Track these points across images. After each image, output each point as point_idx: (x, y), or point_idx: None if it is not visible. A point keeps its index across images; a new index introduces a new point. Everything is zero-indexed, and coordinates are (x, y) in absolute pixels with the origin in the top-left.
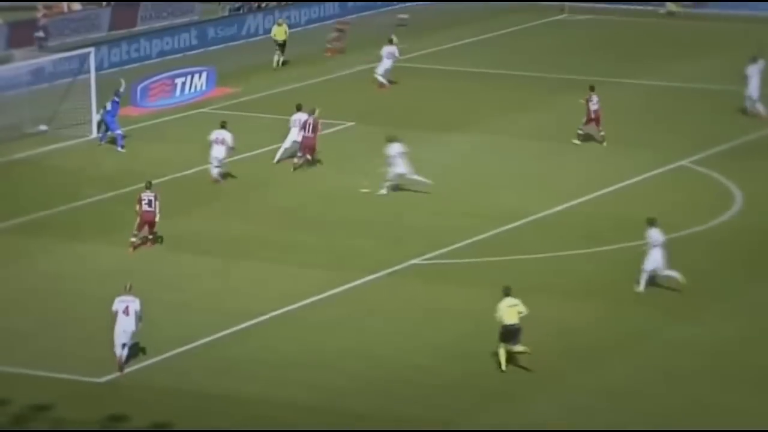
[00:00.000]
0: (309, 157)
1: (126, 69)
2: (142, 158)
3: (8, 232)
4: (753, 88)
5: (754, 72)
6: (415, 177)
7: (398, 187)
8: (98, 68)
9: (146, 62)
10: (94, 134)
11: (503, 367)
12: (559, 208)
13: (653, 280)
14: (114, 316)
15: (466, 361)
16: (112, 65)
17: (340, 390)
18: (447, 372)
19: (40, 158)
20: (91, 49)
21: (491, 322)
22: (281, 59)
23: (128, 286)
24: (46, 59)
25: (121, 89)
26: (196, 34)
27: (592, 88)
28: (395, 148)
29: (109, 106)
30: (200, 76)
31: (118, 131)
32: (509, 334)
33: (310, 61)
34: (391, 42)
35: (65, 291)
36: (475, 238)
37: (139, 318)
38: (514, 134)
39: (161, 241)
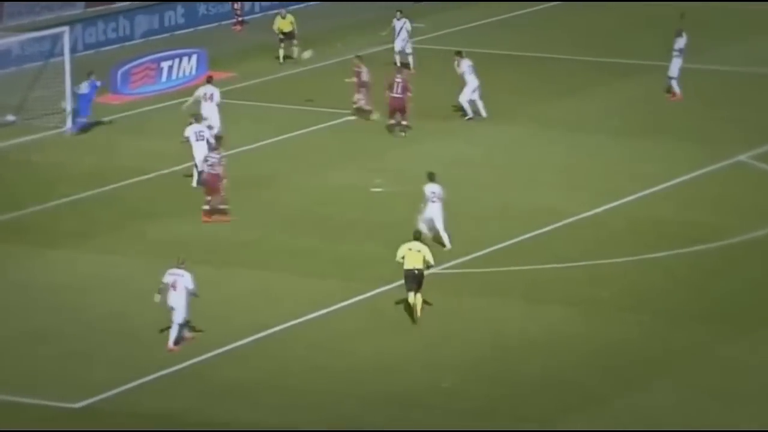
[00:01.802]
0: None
1: (104, 51)
2: (124, 153)
3: None
4: None
5: None
6: (442, 233)
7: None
8: (73, 50)
9: (127, 43)
10: (69, 125)
11: (417, 315)
12: (599, 209)
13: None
14: (163, 289)
15: (491, 383)
16: (88, 47)
17: (352, 416)
18: (471, 394)
19: (7, 152)
20: (65, 28)
21: (519, 338)
22: (299, 52)
23: (180, 259)
24: (13, 39)
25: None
26: (185, 11)
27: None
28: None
29: (84, 89)
30: (189, 60)
31: (84, 119)
32: (411, 277)
33: (318, 41)
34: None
35: (37, 304)
36: (502, 244)
37: (192, 293)
38: (547, 125)
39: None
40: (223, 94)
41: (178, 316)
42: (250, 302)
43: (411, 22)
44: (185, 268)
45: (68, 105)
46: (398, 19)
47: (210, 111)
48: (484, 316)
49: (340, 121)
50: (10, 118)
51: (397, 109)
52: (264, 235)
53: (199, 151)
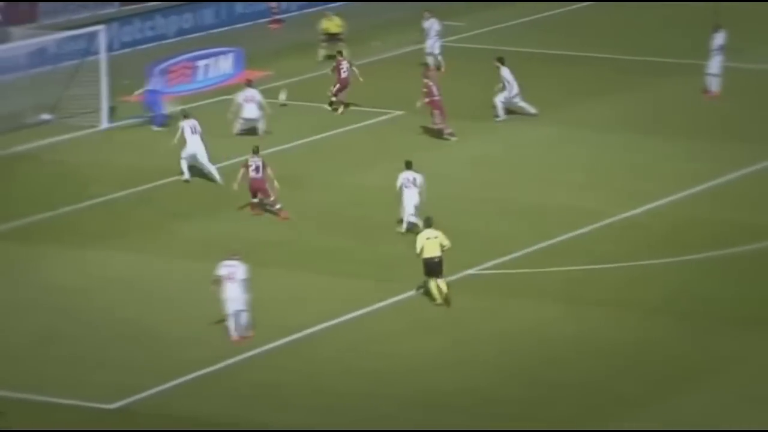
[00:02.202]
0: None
1: (140, 49)
2: (159, 151)
3: (4, 238)
4: None
5: None
6: (414, 219)
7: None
8: (109, 48)
9: (164, 42)
10: (105, 124)
11: (438, 300)
12: (640, 209)
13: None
14: (218, 282)
15: (526, 386)
16: (124, 45)
17: (387, 419)
18: (506, 397)
19: (42, 152)
20: (102, 27)
21: (555, 340)
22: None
23: (233, 251)
24: (49, 38)
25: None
26: (221, 9)
27: (340, 53)
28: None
29: (154, 84)
30: (226, 58)
31: (163, 112)
32: (431, 266)
33: (355, 41)
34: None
35: (70, 305)
36: (541, 245)
37: (247, 287)
38: (583, 124)
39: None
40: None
41: (240, 304)
42: (282, 303)
43: (441, 22)
44: (239, 260)
45: (104, 103)
46: (426, 20)
47: (254, 113)
48: (521, 318)
49: (376, 121)
50: (46, 117)
51: (437, 108)
52: (297, 236)
53: (192, 145)
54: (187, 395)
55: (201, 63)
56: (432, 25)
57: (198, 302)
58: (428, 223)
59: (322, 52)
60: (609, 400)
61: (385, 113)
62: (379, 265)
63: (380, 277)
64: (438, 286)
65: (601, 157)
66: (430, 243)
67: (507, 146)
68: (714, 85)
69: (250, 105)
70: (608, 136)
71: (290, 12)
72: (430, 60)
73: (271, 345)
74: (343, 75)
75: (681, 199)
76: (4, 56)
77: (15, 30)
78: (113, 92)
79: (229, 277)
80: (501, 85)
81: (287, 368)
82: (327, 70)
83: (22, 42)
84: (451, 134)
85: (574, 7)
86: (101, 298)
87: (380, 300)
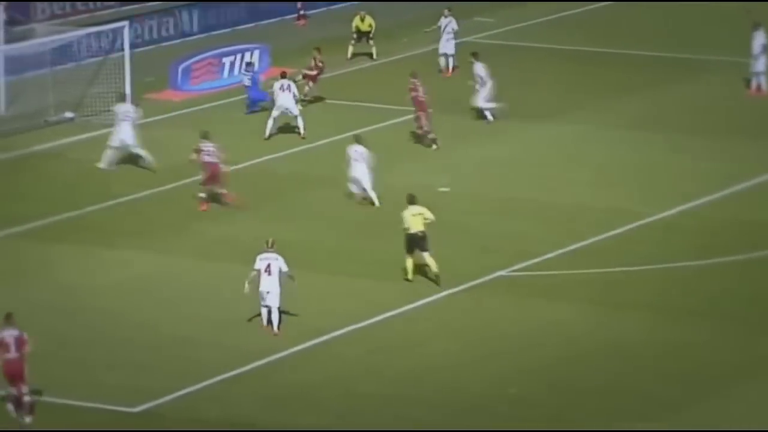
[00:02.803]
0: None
1: (165, 46)
2: (183, 150)
3: (26, 237)
4: None
5: None
6: (370, 192)
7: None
8: (132, 45)
9: (188, 38)
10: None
11: (409, 276)
12: (673, 211)
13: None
14: (256, 276)
15: (558, 390)
16: (148, 42)
17: (414, 420)
18: (537, 401)
19: (65, 150)
20: (125, 23)
21: (590, 344)
22: (375, 50)
23: (270, 242)
24: (72, 35)
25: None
26: (246, 6)
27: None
28: (355, 149)
29: (247, 81)
30: (252, 55)
31: (267, 97)
32: (414, 241)
33: (385, 36)
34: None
35: (92, 306)
36: (571, 247)
37: (289, 276)
38: (617, 123)
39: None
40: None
41: (275, 299)
42: (311, 304)
43: (458, 21)
44: (276, 251)
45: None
46: (446, 17)
47: (287, 101)
48: (552, 320)
49: (401, 120)
50: (69, 115)
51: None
52: (320, 237)
53: (122, 130)
54: (213, 398)
55: (226, 60)
56: (449, 23)
57: (223, 303)
58: (412, 200)
59: (351, 50)
60: (642, 403)
61: (411, 111)
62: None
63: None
64: (419, 259)
65: (635, 157)
66: (415, 219)
67: (531, 146)
68: (762, 83)
69: (285, 93)
70: (641, 135)
71: (316, 8)
72: (441, 61)
73: (297, 348)
74: (311, 72)
75: (719, 200)
76: (27, 53)
77: (38, 26)
78: (136, 90)
79: (267, 270)
80: (473, 83)
81: (314, 371)
82: (355, 66)
83: (45, 38)
84: (434, 141)
85: (602, 5)
86: (124, 299)
87: (409, 302)
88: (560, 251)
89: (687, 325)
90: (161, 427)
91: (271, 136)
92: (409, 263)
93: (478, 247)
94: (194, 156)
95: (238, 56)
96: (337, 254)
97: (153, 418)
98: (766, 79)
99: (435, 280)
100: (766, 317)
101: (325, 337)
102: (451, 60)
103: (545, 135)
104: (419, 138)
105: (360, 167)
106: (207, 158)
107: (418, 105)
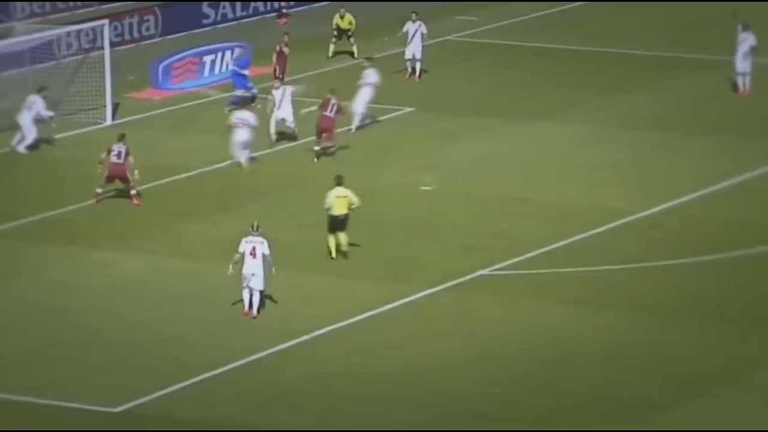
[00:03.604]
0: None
1: (145, 45)
2: (164, 149)
3: (9, 237)
4: None
5: None
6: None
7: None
8: (112, 44)
9: (168, 37)
10: (109, 121)
11: (333, 255)
12: (659, 208)
13: None
14: (240, 258)
15: (544, 391)
16: (128, 41)
17: (397, 424)
18: (524, 403)
19: (45, 149)
20: (105, 22)
21: (573, 343)
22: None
23: (255, 225)
24: (52, 33)
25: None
26: (228, 4)
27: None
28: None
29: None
30: (233, 54)
31: (253, 89)
32: (335, 223)
33: (365, 35)
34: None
35: (76, 306)
36: (556, 244)
37: (269, 264)
38: (606, 122)
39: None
40: (268, 90)
41: (258, 282)
42: (292, 304)
43: (427, 24)
44: (262, 234)
45: (109, 99)
46: (413, 22)
47: (285, 113)
48: (537, 320)
49: (386, 117)
50: (48, 113)
51: (325, 130)
52: (304, 236)
53: (24, 118)
54: (194, 398)
55: (207, 58)
56: (419, 27)
57: (205, 304)
58: (339, 182)
59: (332, 48)
60: (628, 402)
61: (395, 110)
62: (390, 266)
63: (391, 278)
64: (337, 239)
65: (620, 155)
66: (339, 201)
67: (521, 144)
68: (746, 83)
69: (285, 104)
70: (630, 134)
71: (298, 6)
72: (407, 65)
73: (279, 347)
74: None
75: (702, 198)
76: (5, 52)
77: (17, 25)
78: (117, 88)
79: (252, 253)
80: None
81: (295, 370)
82: (336, 65)
83: (24, 37)
84: (318, 155)
85: (594, 3)
86: (107, 299)
87: (391, 302)
88: (545, 249)
89: (672, 325)
90: (140, 427)
91: (277, 140)
92: (332, 242)
93: (459, 244)
94: (104, 155)
95: (219, 55)
96: (319, 254)
97: (133, 418)
98: (751, 79)
99: (343, 254)
100: (753, 317)
101: (305, 337)
102: (418, 64)
103: (536, 134)
104: (407, 137)
105: (241, 132)
106: (114, 159)
107: (323, 121)
